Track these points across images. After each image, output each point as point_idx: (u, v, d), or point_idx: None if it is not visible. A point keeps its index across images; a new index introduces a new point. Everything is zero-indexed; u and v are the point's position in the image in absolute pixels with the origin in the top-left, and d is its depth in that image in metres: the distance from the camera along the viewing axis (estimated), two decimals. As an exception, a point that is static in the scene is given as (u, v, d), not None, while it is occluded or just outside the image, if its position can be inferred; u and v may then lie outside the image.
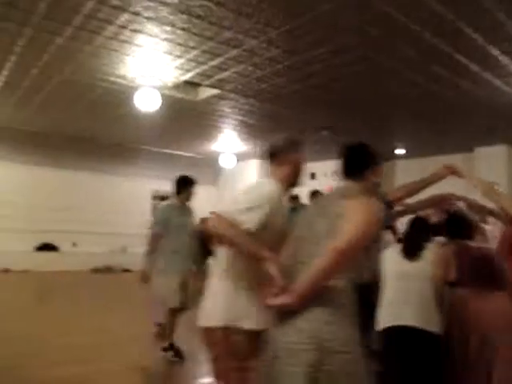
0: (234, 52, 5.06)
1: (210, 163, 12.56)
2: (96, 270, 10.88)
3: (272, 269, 1.95)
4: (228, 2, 3.94)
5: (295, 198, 6.48)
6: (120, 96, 6.86)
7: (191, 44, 4.89)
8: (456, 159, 10.20)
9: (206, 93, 6.63)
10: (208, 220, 2.13)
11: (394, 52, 4.95)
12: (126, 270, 11.03)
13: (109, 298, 7.91)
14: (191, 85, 6.42)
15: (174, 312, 4.49)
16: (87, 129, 9.61)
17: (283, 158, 2.32)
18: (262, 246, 2.04)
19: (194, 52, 5.12)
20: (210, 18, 4.25)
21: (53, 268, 10.19)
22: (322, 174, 12.04)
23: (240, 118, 8.02)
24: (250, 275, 2.15)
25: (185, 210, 4.66)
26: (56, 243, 10.84)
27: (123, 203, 11.57)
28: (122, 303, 7.62)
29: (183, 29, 4.51)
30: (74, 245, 11.04)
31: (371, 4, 3.86)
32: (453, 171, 3.35)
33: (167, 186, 12.38)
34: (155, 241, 4.43)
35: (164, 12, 4.17)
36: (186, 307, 4.51)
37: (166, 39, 4.80)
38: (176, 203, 4.63)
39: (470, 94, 6.21)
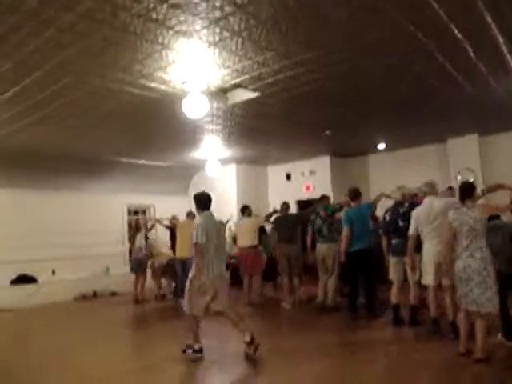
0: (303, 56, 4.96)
1: (186, 172, 12.11)
2: (81, 298, 9.94)
3: None
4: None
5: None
6: (154, 104, 6.37)
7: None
8: (430, 150, 10.92)
9: (239, 97, 6.38)
10: None
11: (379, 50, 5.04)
12: (114, 294, 10.25)
13: (103, 328, 7.27)
14: (228, 89, 6.15)
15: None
16: (69, 145, 8.75)
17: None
18: None
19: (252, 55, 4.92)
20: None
21: (33, 302, 9.16)
22: (299, 174, 12.16)
23: (253, 122, 7.81)
24: None
25: None
26: (33, 273, 9.74)
27: (100, 221, 10.74)
28: (119, 331, 7.12)
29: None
30: (54, 273, 10.02)
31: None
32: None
33: (142, 199, 11.94)
34: None
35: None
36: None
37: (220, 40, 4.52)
38: None
39: (450, 89, 6.52)
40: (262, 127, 8.29)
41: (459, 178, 10.10)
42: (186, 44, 4.55)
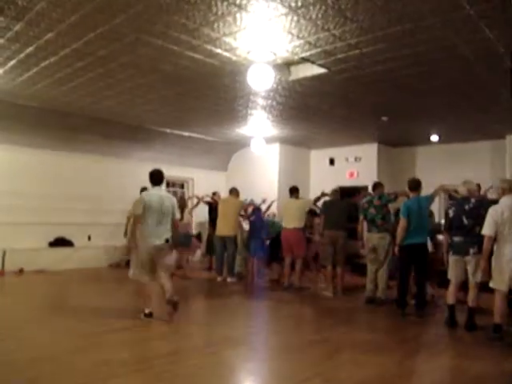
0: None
1: (228, 148, 11.85)
2: (115, 265, 9.88)
3: None
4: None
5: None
6: (213, 72, 6.09)
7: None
8: (485, 146, 10.36)
9: (303, 73, 6.02)
10: None
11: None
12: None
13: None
14: (294, 62, 5.80)
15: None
16: (117, 110, 8.56)
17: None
18: None
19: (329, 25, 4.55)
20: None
21: (69, 266, 9.14)
22: (343, 159, 11.76)
23: (309, 100, 7.46)
24: None
25: None
26: (70, 237, 9.69)
27: (138, 191, 10.56)
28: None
29: None
30: (89, 238, 9.96)
31: None
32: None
33: (182, 172, 11.75)
34: None
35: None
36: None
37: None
38: None
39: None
40: (316, 107, 7.93)
41: (514, 178, 9.58)
42: (265, 7, 4.22)
